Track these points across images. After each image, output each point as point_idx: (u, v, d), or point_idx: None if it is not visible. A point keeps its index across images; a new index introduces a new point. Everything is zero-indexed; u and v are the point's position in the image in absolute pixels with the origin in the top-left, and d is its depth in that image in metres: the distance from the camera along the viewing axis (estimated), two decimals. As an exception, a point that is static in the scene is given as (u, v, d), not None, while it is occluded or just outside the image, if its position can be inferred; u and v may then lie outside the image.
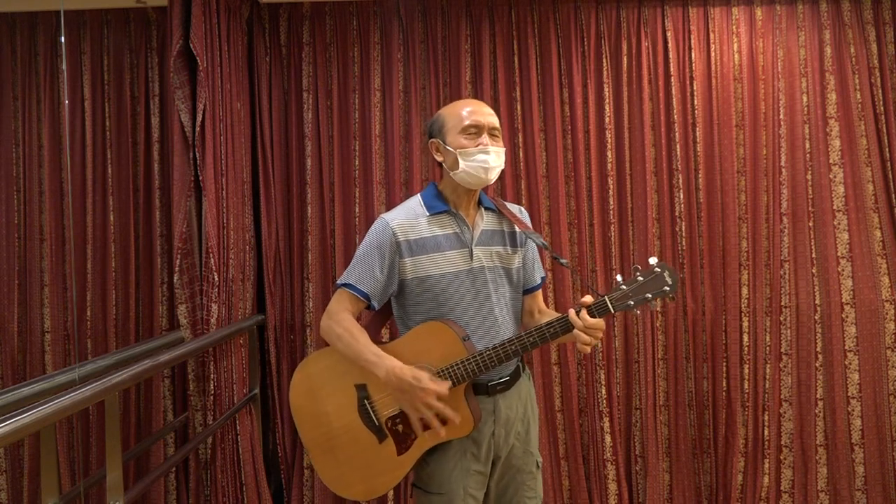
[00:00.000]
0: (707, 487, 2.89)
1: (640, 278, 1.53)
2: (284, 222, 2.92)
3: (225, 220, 2.52)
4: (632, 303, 1.52)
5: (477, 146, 1.63)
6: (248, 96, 2.85)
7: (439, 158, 1.70)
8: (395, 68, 2.89)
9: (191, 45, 2.39)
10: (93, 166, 2.82)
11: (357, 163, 2.92)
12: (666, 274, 1.52)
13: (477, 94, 2.89)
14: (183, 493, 2.68)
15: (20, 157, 2.84)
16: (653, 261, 1.53)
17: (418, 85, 2.91)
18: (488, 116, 1.66)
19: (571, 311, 1.53)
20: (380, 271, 1.65)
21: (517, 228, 1.75)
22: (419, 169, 2.89)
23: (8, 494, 2.73)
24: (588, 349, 1.53)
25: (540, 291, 1.83)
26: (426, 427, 1.60)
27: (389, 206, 2.90)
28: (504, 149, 1.69)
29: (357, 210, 2.90)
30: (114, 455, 1.75)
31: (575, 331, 1.52)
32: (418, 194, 1.75)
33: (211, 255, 2.43)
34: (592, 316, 1.52)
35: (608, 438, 2.84)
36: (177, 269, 2.41)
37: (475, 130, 1.64)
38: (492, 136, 1.66)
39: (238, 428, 2.53)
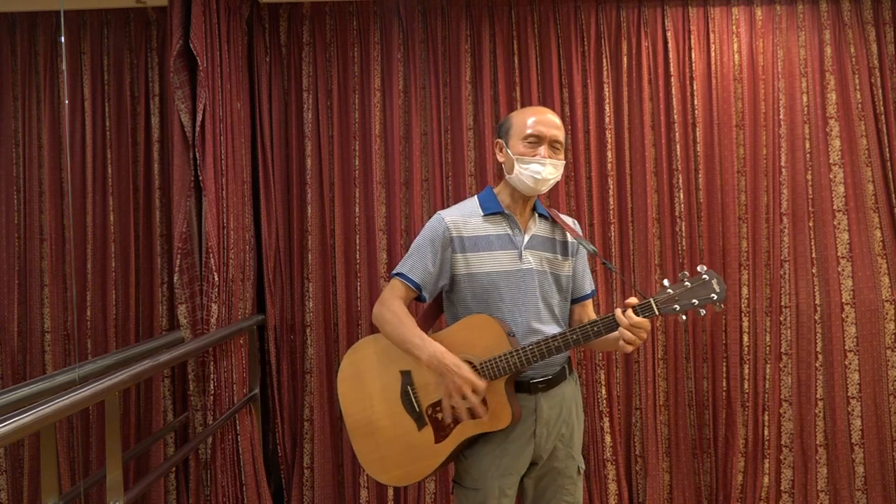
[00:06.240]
0: (707, 487, 2.89)
1: (688, 284, 1.54)
2: (284, 222, 2.92)
3: (225, 220, 2.52)
4: (677, 307, 1.54)
5: (534, 156, 1.66)
6: (248, 96, 2.85)
7: (501, 159, 1.75)
8: (395, 68, 2.89)
9: (191, 45, 2.39)
10: (93, 166, 2.82)
11: (357, 163, 2.92)
12: (714, 282, 1.53)
13: (477, 94, 2.90)
14: (183, 493, 2.68)
15: (20, 157, 2.84)
16: (701, 268, 1.55)
17: (418, 85, 2.91)
18: (552, 129, 1.69)
19: (618, 311, 1.55)
20: (431, 264, 1.69)
21: (570, 238, 1.78)
22: (419, 169, 2.89)
23: (8, 494, 2.73)
24: (630, 348, 1.55)
25: (590, 302, 1.85)
26: (455, 419, 1.62)
27: (389, 206, 2.90)
28: (563, 162, 1.72)
29: (357, 210, 2.90)
30: (114, 455, 1.75)
31: (620, 328, 1.54)
32: (476, 195, 1.80)
33: (211, 255, 2.43)
34: (637, 316, 1.53)
35: (608, 438, 2.84)
36: (177, 269, 2.41)
37: (535, 140, 1.67)
38: (552, 148, 1.69)
39: (238, 428, 2.53)
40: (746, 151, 2.89)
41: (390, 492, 2.82)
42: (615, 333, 1.56)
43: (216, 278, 2.44)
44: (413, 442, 1.67)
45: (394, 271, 1.74)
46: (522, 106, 2.90)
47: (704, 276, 1.54)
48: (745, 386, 2.85)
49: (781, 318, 2.87)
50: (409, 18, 2.91)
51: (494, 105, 2.90)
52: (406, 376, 1.69)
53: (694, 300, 1.53)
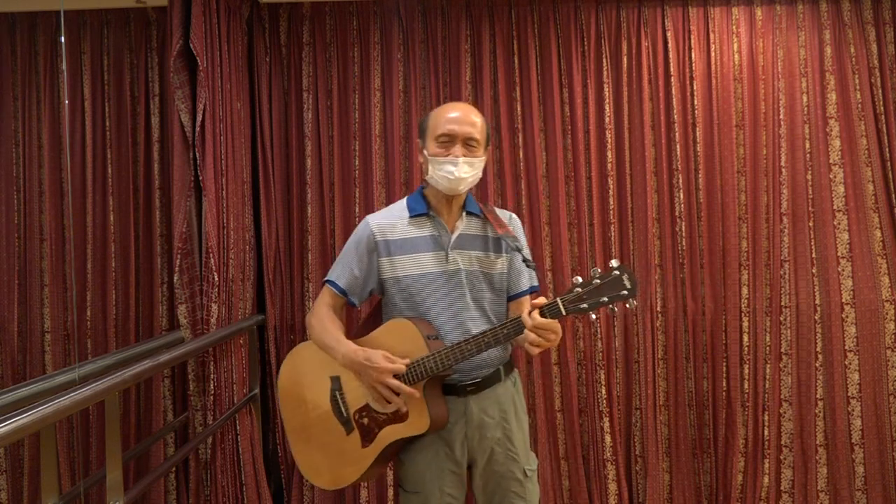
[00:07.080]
0: (707, 487, 2.89)
1: (597, 280, 1.47)
2: (284, 222, 2.92)
3: (225, 220, 2.52)
4: (585, 305, 1.47)
5: (447, 156, 1.64)
6: (248, 96, 2.85)
7: (421, 160, 1.73)
8: (395, 68, 2.89)
9: (191, 45, 2.39)
10: (93, 166, 2.82)
11: (357, 163, 2.92)
12: (625, 277, 1.46)
13: (477, 94, 2.89)
14: (183, 493, 2.68)
15: (20, 157, 2.84)
16: (613, 263, 1.48)
17: (418, 85, 2.91)
18: (465, 126, 1.65)
19: (525, 312, 1.51)
20: (357, 269, 1.71)
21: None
22: (419, 169, 2.89)
23: (8, 494, 2.73)
24: (536, 351, 1.50)
25: (527, 298, 1.78)
26: (380, 424, 1.63)
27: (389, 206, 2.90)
28: (481, 159, 1.68)
29: (357, 210, 2.90)
30: (114, 455, 1.75)
31: (525, 330, 1.49)
32: (406, 197, 1.79)
33: (211, 255, 2.43)
34: (544, 317, 1.48)
35: (608, 438, 2.84)
36: (177, 269, 2.41)
37: (447, 140, 1.65)
38: (467, 146, 1.65)
39: (238, 428, 2.53)
40: (746, 151, 2.89)
41: (390, 492, 2.82)
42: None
43: (216, 278, 2.44)
44: (341, 447, 1.68)
45: (325, 278, 1.76)
46: (522, 106, 2.90)
47: (615, 271, 1.47)
48: (745, 386, 2.85)
49: (781, 318, 2.87)
50: (409, 18, 2.91)
51: (494, 105, 2.90)
52: (335, 382, 1.70)
53: (604, 298, 1.46)
